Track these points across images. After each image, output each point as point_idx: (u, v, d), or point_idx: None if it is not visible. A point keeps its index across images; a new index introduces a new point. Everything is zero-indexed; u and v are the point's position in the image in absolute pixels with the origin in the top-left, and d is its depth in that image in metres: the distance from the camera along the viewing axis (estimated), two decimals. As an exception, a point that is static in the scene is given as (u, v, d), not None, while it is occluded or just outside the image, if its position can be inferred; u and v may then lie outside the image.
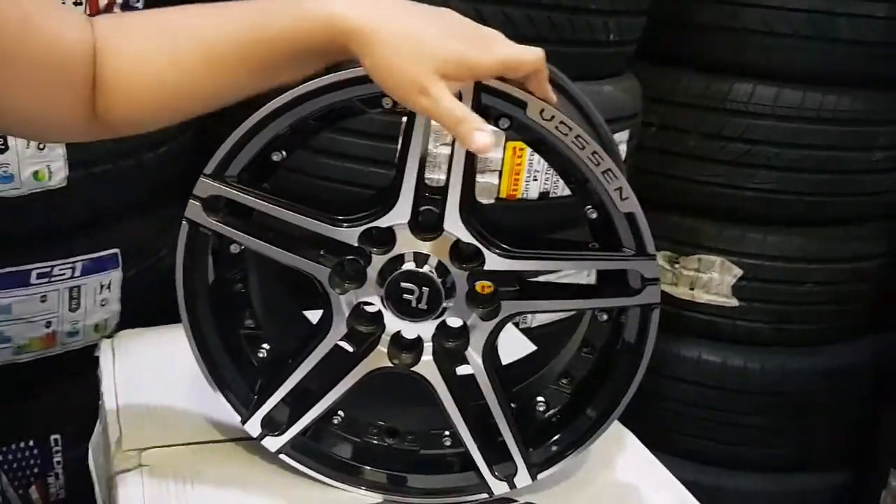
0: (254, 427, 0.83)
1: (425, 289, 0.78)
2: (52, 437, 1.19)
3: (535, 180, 1.23)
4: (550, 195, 1.25)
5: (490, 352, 0.82)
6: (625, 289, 0.77)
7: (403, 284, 0.78)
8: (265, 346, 0.86)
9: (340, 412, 0.88)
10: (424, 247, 0.79)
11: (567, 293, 0.81)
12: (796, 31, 1.54)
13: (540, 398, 0.86)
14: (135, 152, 1.16)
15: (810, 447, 1.84)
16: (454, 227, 0.77)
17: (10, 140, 1.00)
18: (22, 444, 1.18)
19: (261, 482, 0.84)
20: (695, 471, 1.76)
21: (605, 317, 0.81)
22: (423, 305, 0.79)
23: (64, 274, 1.13)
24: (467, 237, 0.77)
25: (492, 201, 1.22)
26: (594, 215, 0.77)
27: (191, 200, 0.76)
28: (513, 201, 1.23)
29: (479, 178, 1.22)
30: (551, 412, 0.85)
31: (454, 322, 0.82)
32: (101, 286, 1.17)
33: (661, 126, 1.62)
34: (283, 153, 0.79)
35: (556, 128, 0.72)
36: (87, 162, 1.09)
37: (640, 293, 0.76)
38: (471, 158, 0.75)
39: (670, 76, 1.62)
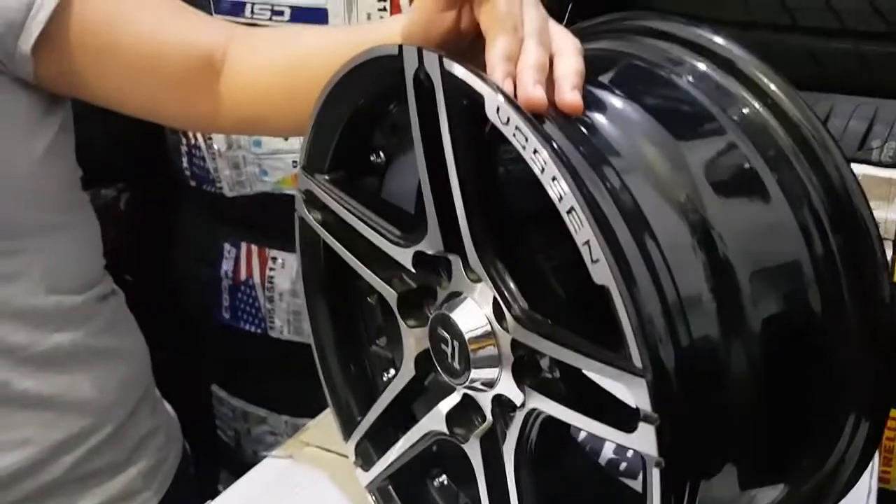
0: (350, 452, 0.76)
1: (456, 342, 0.60)
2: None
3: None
4: None
5: (523, 455, 0.58)
6: (625, 417, 0.46)
7: (440, 331, 0.61)
8: (392, 370, 0.76)
9: (444, 475, 0.73)
10: (478, 289, 0.60)
11: (589, 406, 0.50)
12: None
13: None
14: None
15: None
16: (477, 265, 0.57)
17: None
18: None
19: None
20: None
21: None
22: (456, 364, 0.60)
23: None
24: (487, 282, 0.56)
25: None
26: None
27: (296, 192, 0.74)
28: None
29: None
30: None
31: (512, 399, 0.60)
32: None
33: None
34: (382, 156, 0.69)
35: (514, 135, 0.46)
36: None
37: (633, 430, 0.44)
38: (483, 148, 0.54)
39: None
